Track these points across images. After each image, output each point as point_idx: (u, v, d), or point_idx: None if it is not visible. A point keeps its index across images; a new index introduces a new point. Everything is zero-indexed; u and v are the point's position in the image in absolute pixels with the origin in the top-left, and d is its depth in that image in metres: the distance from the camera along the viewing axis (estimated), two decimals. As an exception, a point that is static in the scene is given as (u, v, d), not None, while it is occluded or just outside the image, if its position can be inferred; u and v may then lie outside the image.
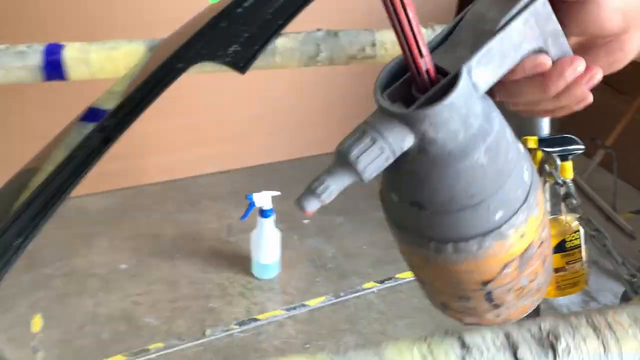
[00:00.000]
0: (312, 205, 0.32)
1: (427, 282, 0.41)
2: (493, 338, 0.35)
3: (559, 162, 0.75)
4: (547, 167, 0.75)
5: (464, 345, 0.35)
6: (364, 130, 0.31)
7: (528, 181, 0.34)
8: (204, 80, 1.84)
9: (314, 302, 1.70)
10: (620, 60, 0.35)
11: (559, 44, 0.34)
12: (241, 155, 2.21)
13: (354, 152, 0.30)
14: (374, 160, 0.30)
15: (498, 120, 0.33)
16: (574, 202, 0.71)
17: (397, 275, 1.80)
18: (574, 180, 0.75)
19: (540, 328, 0.36)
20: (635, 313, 0.37)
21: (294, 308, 1.68)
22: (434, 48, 0.33)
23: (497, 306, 0.38)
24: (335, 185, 0.31)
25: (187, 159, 2.13)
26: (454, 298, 0.39)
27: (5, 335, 1.54)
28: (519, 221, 0.33)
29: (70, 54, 0.64)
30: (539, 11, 0.33)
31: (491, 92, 0.34)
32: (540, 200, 0.35)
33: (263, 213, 1.65)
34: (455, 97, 0.29)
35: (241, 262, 1.81)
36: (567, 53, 0.34)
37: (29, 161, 0.44)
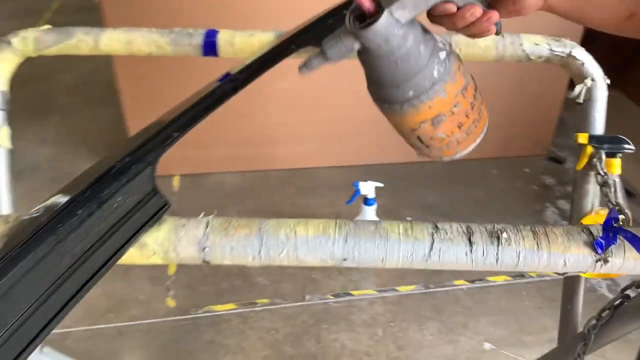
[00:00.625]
0: (304, 69, 0.55)
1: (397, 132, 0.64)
2: (457, 227, 0.52)
3: (604, 157, 0.85)
4: (594, 160, 0.86)
5: (436, 228, 0.52)
6: (334, 36, 0.53)
7: (437, 76, 0.53)
8: (328, 83, 2.09)
9: (404, 289, 1.86)
10: (519, 10, 0.53)
11: None
12: (358, 153, 2.42)
13: (326, 46, 0.53)
14: (336, 51, 0.52)
15: (412, 39, 0.51)
16: (610, 193, 0.80)
17: (488, 278, 1.89)
18: (621, 178, 0.84)
19: (494, 227, 0.52)
20: (568, 229, 0.52)
21: (385, 290, 1.85)
22: None
23: (428, 146, 0.61)
24: (316, 62, 0.54)
25: (310, 151, 2.39)
26: (407, 140, 0.63)
27: (147, 274, 1.90)
28: (426, 98, 0.54)
29: (222, 37, 0.89)
30: None
31: (434, 20, 0.54)
32: (451, 89, 0.55)
33: (367, 201, 1.84)
34: (378, 26, 0.49)
35: (345, 244, 2.01)
36: (471, 2, 0.52)
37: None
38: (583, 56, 0.88)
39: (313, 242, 0.51)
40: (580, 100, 0.89)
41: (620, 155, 0.86)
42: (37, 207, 0.48)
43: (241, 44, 0.90)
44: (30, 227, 0.45)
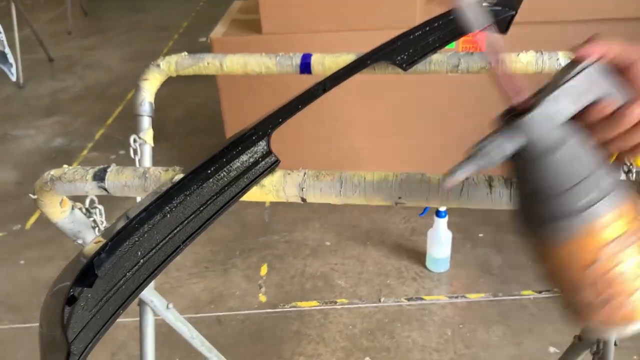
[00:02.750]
0: (452, 179, 0.48)
1: (548, 277, 0.51)
2: (482, 177, 0.72)
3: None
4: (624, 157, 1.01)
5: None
6: (488, 141, 0.47)
7: (608, 186, 0.45)
8: (408, 109, 2.32)
9: (473, 296, 2.00)
10: None
11: (623, 93, 0.46)
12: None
13: (483, 150, 0.47)
14: (494, 154, 0.47)
15: (575, 139, 0.46)
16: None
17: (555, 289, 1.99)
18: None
19: (510, 177, 0.71)
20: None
21: (456, 297, 2.00)
22: (536, 92, 0.49)
23: (606, 299, 0.44)
24: (468, 169, 0.47)
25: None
26: (568, 292, 0.48)
27: (244, 273, 2.17)
28: (609, 204, 0.44)
29: (315, 59, 1.15)
30: (592, 72, 0.46)
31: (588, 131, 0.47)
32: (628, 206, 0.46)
33: (439, 214, 2.02)
34: (530, 118, 0.45)
35: (418, 256, 2.19)
36: (632, 100, 0.45)
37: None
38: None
39: (377, 185, 0.73)
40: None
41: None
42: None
43: (330, 63, 1.16)
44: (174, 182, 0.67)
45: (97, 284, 0.52)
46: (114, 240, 0.55)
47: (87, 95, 3.89)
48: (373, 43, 2.26)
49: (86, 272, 0.50)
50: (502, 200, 0.71)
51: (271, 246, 2.31)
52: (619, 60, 0.47)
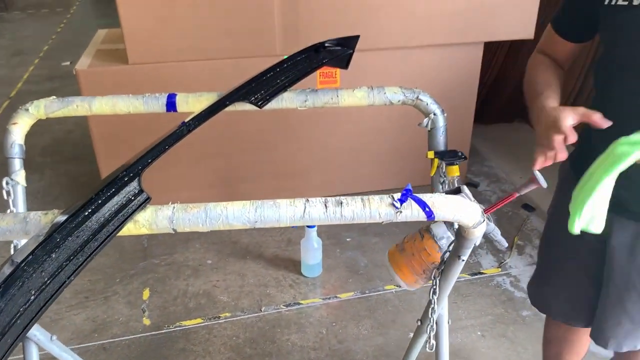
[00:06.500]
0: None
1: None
2: (319, 199, 0.90)
3: (444, 166, 1.25)
4: (439, 168, 1.26)
5: (307, 200, 0.90)
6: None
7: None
8: (282, 129, 2.50)
9: (344, 295, 2.21)
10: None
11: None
12: (305, 189, 2.82)
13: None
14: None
15: None
16: (448, 186, 1.21)
17: (414, 282, 2.27)
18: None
19: (339, 198, 0.90)
20: (382, 197, 0.90)
21: (329, 298, 2.20)
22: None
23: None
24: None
25: (263, 189, 2.77)
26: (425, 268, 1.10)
27: (125, 299, 2.21)
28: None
29: (179, 98, 1.28)
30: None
31: None
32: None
33: (309, 225, 2.22)
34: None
35: (294, 264, 2.37)
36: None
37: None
38: (427, 99, 1.29)
39: (237, 212, 0.89)
40: (428, 128, 1.30)
41: (457, 162, 1.27)
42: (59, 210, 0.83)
43: (193, 101, 1.29)
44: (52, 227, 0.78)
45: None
46: (4, 285, 0.65)
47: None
48: (238, 70, 2.56)
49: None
50: (335, 216, 0.89)
51: (152, 270, 2.36)
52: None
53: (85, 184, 2.97)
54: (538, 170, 1.00)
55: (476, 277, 2.31)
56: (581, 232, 0.96)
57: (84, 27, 5.84)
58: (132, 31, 2.26)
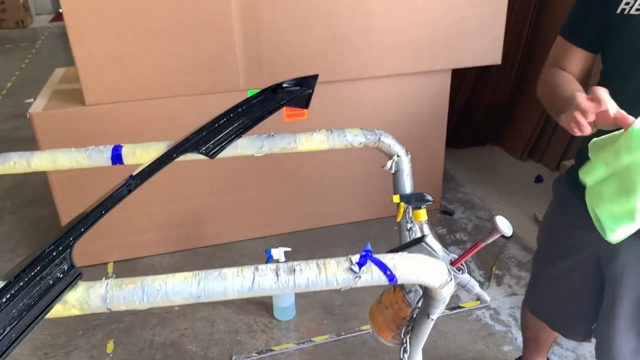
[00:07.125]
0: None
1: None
2: (270, 266, 0.81)
3: (410, 211, 1.18)
4: (407, 213, 1.19)
5: (257, 268, 0.81)
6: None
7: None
8: (248, 168, 2.42)
9: (319, 339, 2.12)
10: None
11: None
12: (276, 224, 2.73)
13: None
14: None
15: None
16: (417, 233, 1.14)
17: (391, 320, 2.18)
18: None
19: (292, 264, 0.82)
20: (339, 261, 0.82)
21: (303, 343, 2.10)
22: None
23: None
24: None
25: (233, 227, 2.67)
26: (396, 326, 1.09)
27: (88, 354, 2.08)
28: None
29: (126, 150, 1.19)
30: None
31: None
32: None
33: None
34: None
35: (266, 307, 2.27)
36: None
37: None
38: (389, 140, 1.22)
39: (178, 286, 0.80)
40: (392, 170, 1.23)
41: (424, 206, 1.20)
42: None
43: (141, 153, 1.20)
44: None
45: None
46: None
47: None
48: (201, 106, 2.42)
49: None
50: (287, 285, 0.81)
51: (117, 319, 2.24)
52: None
53: (46, 229, 2.84)
54: (503, 217, 0.94)
55: (455, 311, 2.23)
56: (577, 247, 0.98)
57: (49, 62, 5.72)
58: (87, 71, 2.17)
